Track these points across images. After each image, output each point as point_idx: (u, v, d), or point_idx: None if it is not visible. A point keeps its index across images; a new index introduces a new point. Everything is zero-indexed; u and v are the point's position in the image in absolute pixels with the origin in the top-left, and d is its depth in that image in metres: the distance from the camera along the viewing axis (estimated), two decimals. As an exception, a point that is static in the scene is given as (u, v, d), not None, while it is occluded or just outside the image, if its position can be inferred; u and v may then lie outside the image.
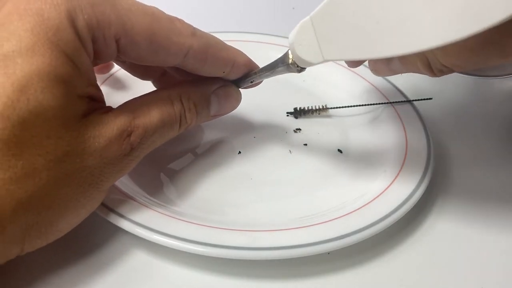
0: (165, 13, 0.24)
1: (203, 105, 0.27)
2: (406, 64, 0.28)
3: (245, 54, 0.28)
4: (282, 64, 0.26)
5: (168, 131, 0.25)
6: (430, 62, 0.25)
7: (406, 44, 0.20)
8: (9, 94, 0.18)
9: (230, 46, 0.27)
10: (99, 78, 0.35)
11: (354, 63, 0.33)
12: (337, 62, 0.39)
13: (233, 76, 0.28)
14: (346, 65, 0.38)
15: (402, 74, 0.30)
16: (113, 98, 0.33)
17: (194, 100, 0.26)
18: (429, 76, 0.26)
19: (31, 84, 0.19)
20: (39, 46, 0.19)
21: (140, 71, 0.30)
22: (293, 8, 0.52)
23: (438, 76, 0.26)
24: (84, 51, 0.21)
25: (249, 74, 0.28)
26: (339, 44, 0.23)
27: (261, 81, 0.30)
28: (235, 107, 0.30)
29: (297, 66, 0.26)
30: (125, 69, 0.30)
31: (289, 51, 0.26)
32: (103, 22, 0.21)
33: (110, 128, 0.22)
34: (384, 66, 0.30)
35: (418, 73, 0.27)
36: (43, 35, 0.19)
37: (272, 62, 0.27)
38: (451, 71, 0.25)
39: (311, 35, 0.23)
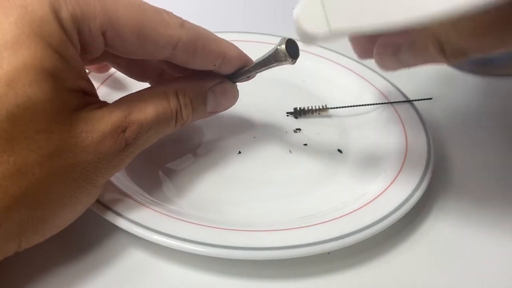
0: (152, 5, 0.23)
1: (200, 101, 0.27)
2: (416, 50, 0.26)
3: (236, 47, 0.27)
4: (275, 61, 0.26)
5: (163, 127, 0.25)
6: (443, 43, 0.24)
7: (420, 10, 0.18)
8: None
9: (221, 38, 0.26)
10: (98, 79, 0.35)
11: (363, 48, 0.30)
12: (338, 61, 0.39)
13: (226, 69, 0.27)
14: (347, 65, 0.38)
15: (409, 68, 0.28)
16: (113, 98, 0.33)
17: (191, 96, 0.26)
18: (441, 62, 0.25)
19: (18, 78, 0.18)
20: (23, 39, 0.19)
21: (137, 73, 0.30)
22: (293, 8, 0.52)
23: (451, 62, 0.24)
24: (70, 44, 0.20)
25: (243, 70, 0.28)
26: (347, 13, 0.21)
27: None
28: (232, 104, 0.30)
29: (291, 60, 0.25)
30: (121, 71, 0.30)
31: (278, 48, 0.25)
32: (88, 14, 0.21)
33: (104, 123, 0.21)
34: (392, 57, 0.29)
35: (429, 62, 0.26)
36: (27, 27, 0.19)
37: (265, 59, 0.27)
38: (464, 54, 0.23)
39: (318, 7, 0.22)
